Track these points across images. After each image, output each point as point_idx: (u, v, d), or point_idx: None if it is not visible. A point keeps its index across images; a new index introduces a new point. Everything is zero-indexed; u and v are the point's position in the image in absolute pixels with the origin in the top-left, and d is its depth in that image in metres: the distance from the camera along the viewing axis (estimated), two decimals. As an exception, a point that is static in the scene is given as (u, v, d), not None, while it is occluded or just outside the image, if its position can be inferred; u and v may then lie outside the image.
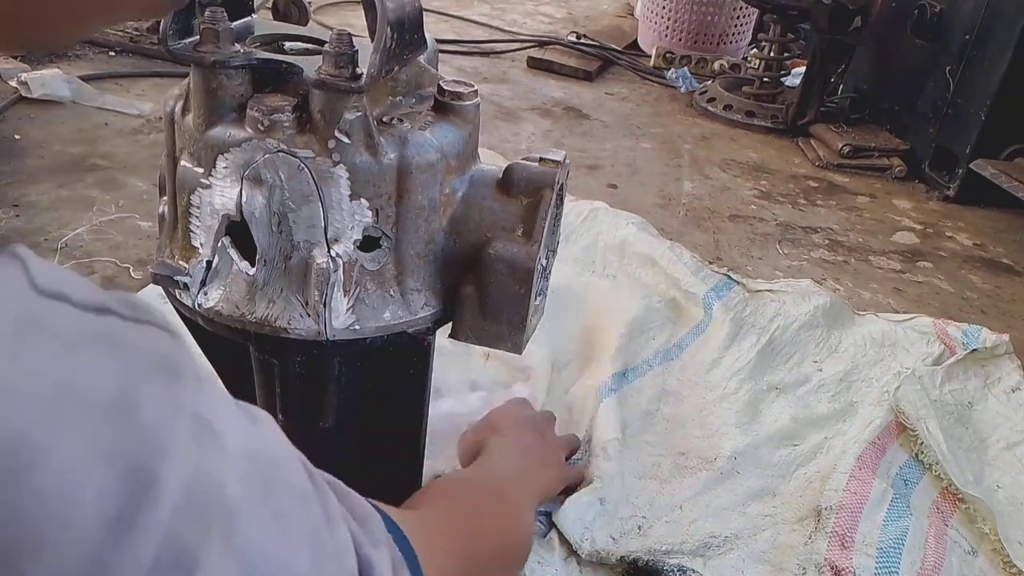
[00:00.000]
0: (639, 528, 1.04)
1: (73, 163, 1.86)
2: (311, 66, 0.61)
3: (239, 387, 0.81)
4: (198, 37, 0.61)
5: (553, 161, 0.68)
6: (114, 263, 1.51)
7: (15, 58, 2.36)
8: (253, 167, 0.60)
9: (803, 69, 2.61)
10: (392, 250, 0.64)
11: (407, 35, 0.62)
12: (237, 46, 0.61)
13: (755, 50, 2.97)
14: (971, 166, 2.18)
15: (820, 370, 1.36)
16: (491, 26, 3.38)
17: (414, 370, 0.74)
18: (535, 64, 2.98)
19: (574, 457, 1.11)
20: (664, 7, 3.13)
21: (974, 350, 1.37)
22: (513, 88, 2.77)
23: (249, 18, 0.69)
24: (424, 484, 0.89)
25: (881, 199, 2.25)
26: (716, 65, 2.93)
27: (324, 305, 0.63)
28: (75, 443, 0.28)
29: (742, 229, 1.97)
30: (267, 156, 0.60)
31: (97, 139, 1.99)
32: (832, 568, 0.99)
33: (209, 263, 0.64)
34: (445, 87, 0.67)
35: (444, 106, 0.66)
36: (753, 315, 1.43)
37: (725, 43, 3.17)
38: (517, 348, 0.70)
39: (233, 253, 0.63)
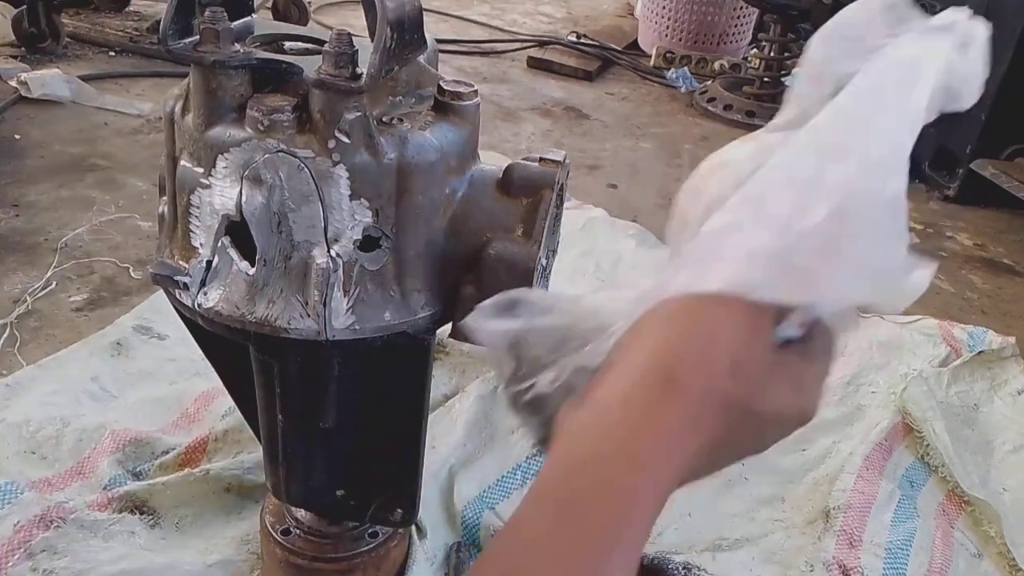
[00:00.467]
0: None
1: (73, 163, 1.86)
2: (311, 66, 0.61)
3: (239, 387, 0.81)
4: (198, 37, 0.61)
5: (553, 161, 0.68)
6: (114, 263, 1.51)
7: (15, 58, 2.36)
8: (253, 167, 0.60)
9: (803, 69, 2.61)
10: (392, 250, 0.64)
11: (407, 35, 0.61)
12: (237, 46, 0.61)
13: (755, 50, 2.97)
14: (971, 166, 2.18)
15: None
16: (491, 26, 3.38)
17: (414, 370, 0.74)
18: (535, 64, 2.98)
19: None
20: (664, 7, 3.13)
21: (980, 352, 1.37)
22: (513, 88, 2.77)
23: (249, 18, 0.69)
24: (424, 483, 0.88)
25: (881, 199, 2.25)
26: (716, 65, 2.93)
27: (324, 305, 0.63)
28: None
29: (742, 229, 1.97)
30: (267, 156, 0.59)
31: (97, 139, 1.99)
32: (840, 566, 0.99)
33: (209, 263, 0.64)
34: (445, 87, 0.66)
35: (444, 106, 0.66)
36: None
37: (725, 43, 3.17)
38: (517, 348, 0.70)
39: (233, 253, 0.63)
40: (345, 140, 0.60)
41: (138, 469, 1.07)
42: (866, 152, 0.44)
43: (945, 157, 2.29)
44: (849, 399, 1.31)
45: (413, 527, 0.96)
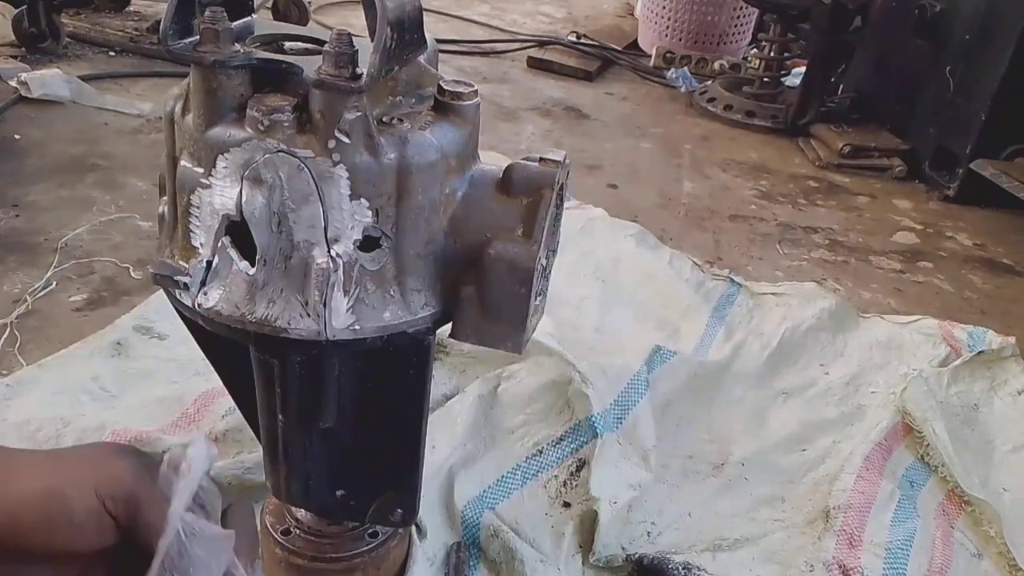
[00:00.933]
0: (648, 534, 1.05)
1: (73, 163, 1.86)
2: (311, 66, 0.61)
3: (239, 387, 0.81)
4: (198, 37, 0.61)
5: (553, 161, 0.68)
6: (114, 263, 1.51)
7: (15, 58, 2.36)
8: (253, 167, 0.60)
9: (803, 69, 2.61)
10: (392, 250, 0.64)
11: (407, 35, 0.61)
12: (237, 46, 0.61)
13: (755, 50, 2.97)
14: (971, 166, 2.18)
15: (827, 373, 1.36)
16: (491, 26, 3.38)
17: (414, 370, 0.74)
18: (535, 64, 2.98)
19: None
20: (664, 7, 3.13)
21: (980, 352, 1.37)
22: (513, 88, 2.77)
23: (249, 18, 0.69)
24: (424, 483, 0.88)
25: (881, 199, 2.25)
26: (716, 65, 2.93)
27: (324, 305, 0.63)
28: None
29: (742, 229, 1.97)
30: (267, 156, 0.59)
31: (97, 139, 1.99)
32: (840, 566, 0.99)
33: (209, 263, 0.64)
34: (445, 87, 0.66)
35: (444, 106, 0.66)
36: (760, 324, 1.43)
37: (725, 43, 3.17)
38: (517, 348, 0.70)
39: (233, 253, 0.63)
40: (345, 140, 0.60)
41: (138, 469, 1.07)
42: None
43: (945, 157, 2.29)
44: (849, 399, 1.31)
45: (413, 527, 0.96)
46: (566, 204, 0.79)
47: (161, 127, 0.71)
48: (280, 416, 0.73)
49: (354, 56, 0.59)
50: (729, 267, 1.67)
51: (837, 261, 1.87)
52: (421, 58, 0.67)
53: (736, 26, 3.16)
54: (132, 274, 1.49)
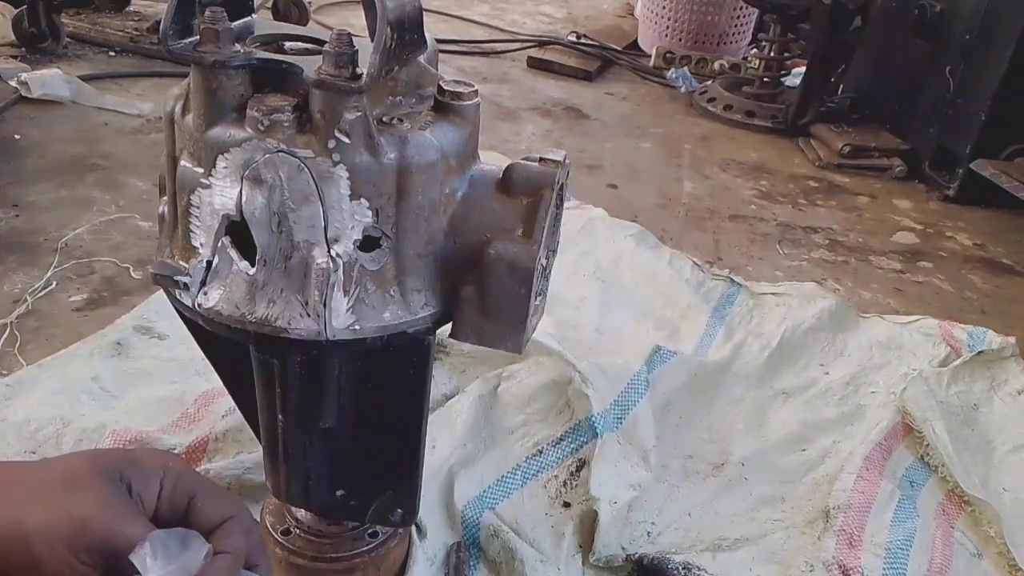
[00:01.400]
0: (648, 534, 1.05)
1: (73, 163, 1.86)
2: (311, 66, 0.61)
3: (239, 387, 0.81)
4: (198, 37, 0.61)
5: (553, 161, 0.68)
6: (114, 263, 1.51)
7: (15, 58, 2.36)
8: (253, 167, 0.60)
9: (803, 69, 2.61)
10: (392, 250, 0.64)
11: (407, 35, 0.61)
12: (237, 46, 0.61)
13: (755, 50, 2.97)
14: (971, 166, 2.18)
15: (827, 373, 1.36)
16: (491, 26, 3.38)
17: (414, 370, 0.74)
18: (535, 64, 2.98)
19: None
20: (664, 7, 3.13)
21: (980, 352, 1.37)
22: (513, 88, 2.77)
23: (249, 18, 0.69)
24: (424, 483, 0.88)
25: (881, 199, 2.25)
26: (716, 65, 2.93)
27: (324, 305, 0.63)
28: None
29: (742, 229, 1.97)
30: (267, 156, 0.59)
31: (97, 139, 1.99)
32: (840, 566, 0.99)
33: (209, 263, 0.64)
34: (445, 87, 0.66)
35: (444, 106, 0.66)
36: (760, 324, 1.43)
37: (725, 43, 3.17)
38: (517, 348, 0.70)
39: (233, 253, 0.63)
40: (345, 140, 0.60)
41: (138, 469, 1.07)
42: None
43: (945, 157, 2.29)
44: (849, 399, 1.31)
45: (413, 527, 0.96)
46: (566, 204, 0.79)
47: (161, 127, 0.71)
48: (280, 416, 0.73)
49: (354, 56, 0.59)
50: (729, 267, 1.67)
51: (837, 261, 1.87)
52: (421, 58, 0.67)
53: (736, 26, 3.16)
54: (132, 274, 1.49)
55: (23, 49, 2.42)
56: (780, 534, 1.06)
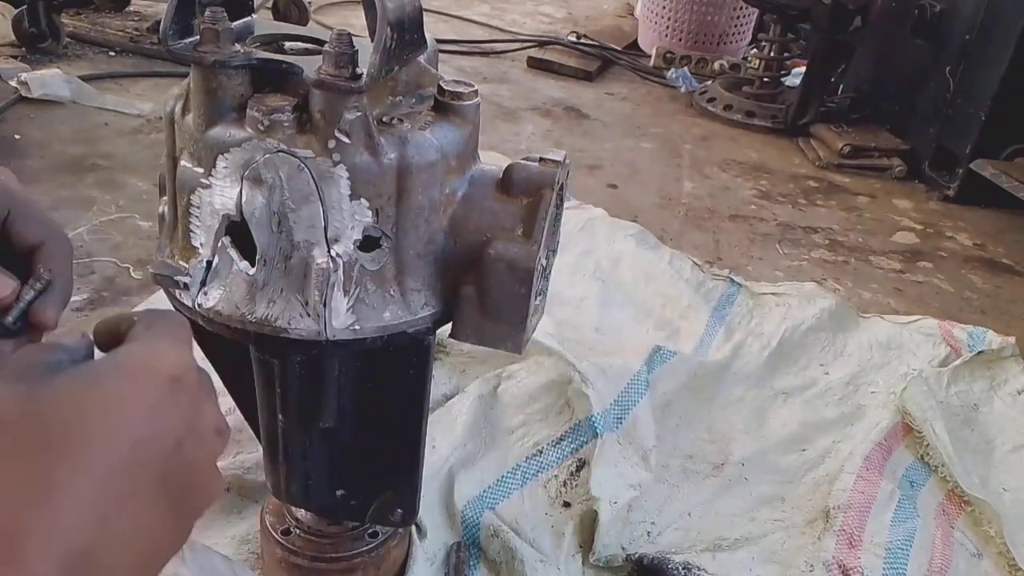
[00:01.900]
0: (648, 534, 1.05)
1: (73, 163, 1.86)
2: (311, 66, 0.61)
3: (239, 387, 0.81)
4: (198, 37, 0.61)
5: (553, 161, 0.68)
6: (114, 263, 1.51)
7: (15, 58, 2.36)
8: (253, 167, 0.60)
9: (803, 69, 2.61)
10: (392, 250, 0.64)
11: (407, 35, 0.61)
12: (237, 46, 0.61)
13: (755, 50, 2.97)
14: (971, 166, 2.18)
15: (827, 373, 1.36)
16: (491, 26, 3.38)
17: (414, 370, 0.74)
18: (535, 64, 2.98)
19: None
20: (664, 7, 3.13)
21: (980, 352, 1.37)
22: (513, 88, 2.77)
23: (249, 18, 0.69)
24: (424, 483, 0.88)
25: (881, 199, 2.25)
26: (716, 65, 2.93)
27: (324, 305, 0.63)
28: None
29: (742, 229, 1.97)
30: (267, 156, 0.59)
31: (97, 139, 1.99)
32: (840, 566, 0.99)
33: (209, 263, 0.64)
34: (445, 87, 0.66)
35: (444, 106, 0.66)
36: (760, 324, 1.43)
37: (725, 43, 3.17)
38: (517, 348, 0.70)
39: (233, 253, 0.63)
40: (345, 140, 0.60)
41: (138, 469, 1.07)
42: None
43: (945, 157, 2.29)
44: (849, 399, 1.31)
45: (413, 527, 0.96)
46: (566, 204, 0.79)
47: (161, 127, 0.71)
48: (280, 416, 0.73)
49: (354, 56, 0.59)
50: (729, 267, 1.67)
51: (837, 261, 1.87)
52: (421, 58, 0.67)
53: (736, 26, 3.16)
54: (132, 274, 1.49)
55: (23, 49, 2.42)
56: (780, 534, 1.06)
